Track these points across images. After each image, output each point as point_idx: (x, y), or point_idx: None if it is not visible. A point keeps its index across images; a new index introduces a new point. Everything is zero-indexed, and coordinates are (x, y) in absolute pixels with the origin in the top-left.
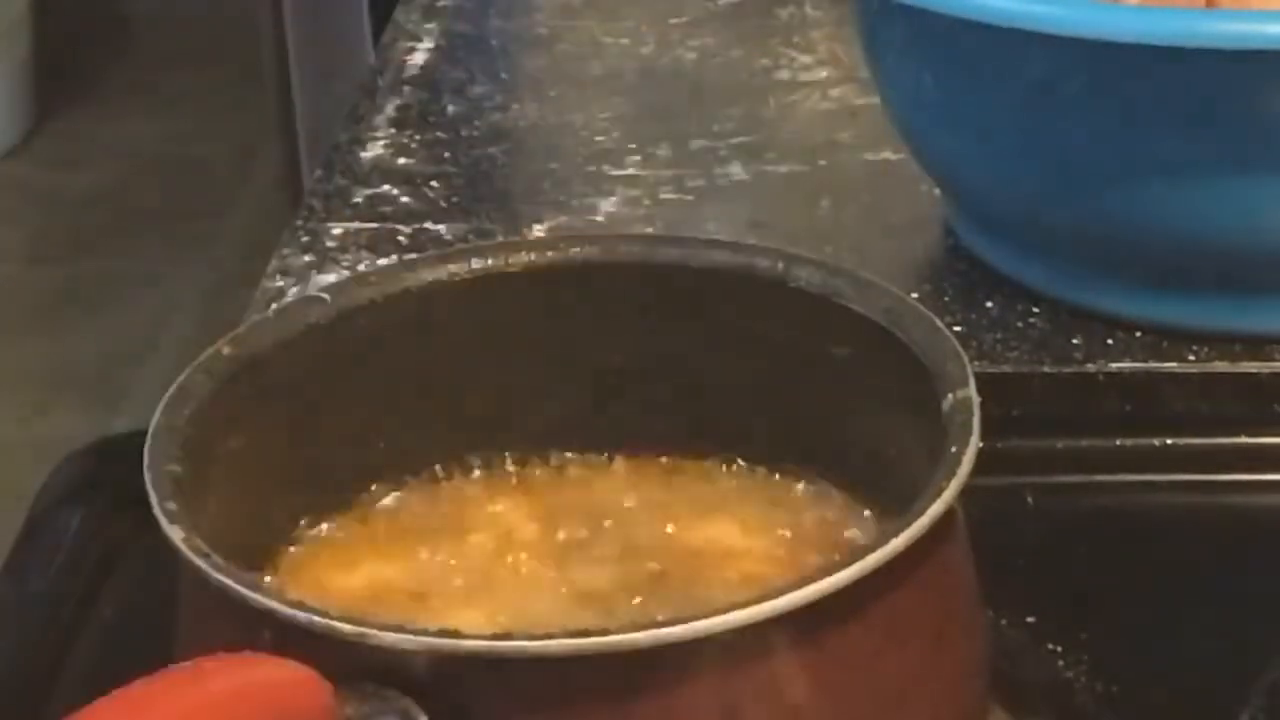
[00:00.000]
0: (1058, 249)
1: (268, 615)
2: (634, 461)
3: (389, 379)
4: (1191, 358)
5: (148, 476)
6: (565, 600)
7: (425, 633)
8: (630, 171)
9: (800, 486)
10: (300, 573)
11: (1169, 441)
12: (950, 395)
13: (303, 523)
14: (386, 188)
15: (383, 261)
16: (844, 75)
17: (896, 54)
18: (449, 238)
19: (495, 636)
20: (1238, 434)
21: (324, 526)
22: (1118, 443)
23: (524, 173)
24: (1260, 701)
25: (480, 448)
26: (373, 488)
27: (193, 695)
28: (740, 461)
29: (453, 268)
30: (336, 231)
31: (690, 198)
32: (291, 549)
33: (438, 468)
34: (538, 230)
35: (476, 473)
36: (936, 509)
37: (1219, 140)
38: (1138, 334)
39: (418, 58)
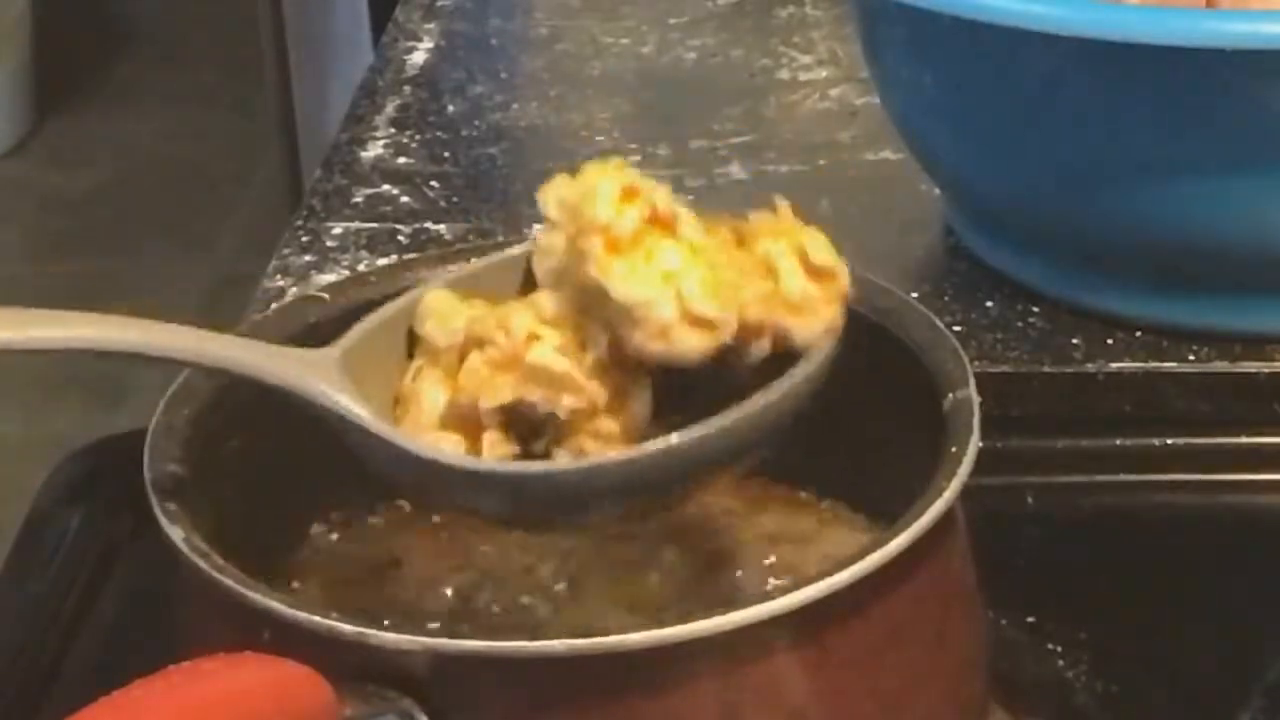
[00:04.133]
0: (1058, 249)
1: (268, 615)
2: None
3: None
4: (1191, 358)
5: (148, 476)
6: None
7: (425, 633)
8: None
9: (799, 487)
10: (301, 571)
11: (1169, 441)
12: (950, 395)
13: (302, 522)
14: (386, 188)
15: (383, 261)
16: (844, 75)
17: (896, 54)
18: (449, 238)
19: (495, 636)
20: (1238, 434)
21: (323, 525)
22: (1118, 443)
23: (524, 173)
24: (1260, 701)
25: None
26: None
27: (193, 695)
28: None
29: (453, 268)
30: (336, 231)
31: (690, 198)
32: (291, 548)
33: None
34: (538, 230)
35: None
36: (937, 509)
37: (1219, 140)
38: (1138, 334)
39: (418, 58)
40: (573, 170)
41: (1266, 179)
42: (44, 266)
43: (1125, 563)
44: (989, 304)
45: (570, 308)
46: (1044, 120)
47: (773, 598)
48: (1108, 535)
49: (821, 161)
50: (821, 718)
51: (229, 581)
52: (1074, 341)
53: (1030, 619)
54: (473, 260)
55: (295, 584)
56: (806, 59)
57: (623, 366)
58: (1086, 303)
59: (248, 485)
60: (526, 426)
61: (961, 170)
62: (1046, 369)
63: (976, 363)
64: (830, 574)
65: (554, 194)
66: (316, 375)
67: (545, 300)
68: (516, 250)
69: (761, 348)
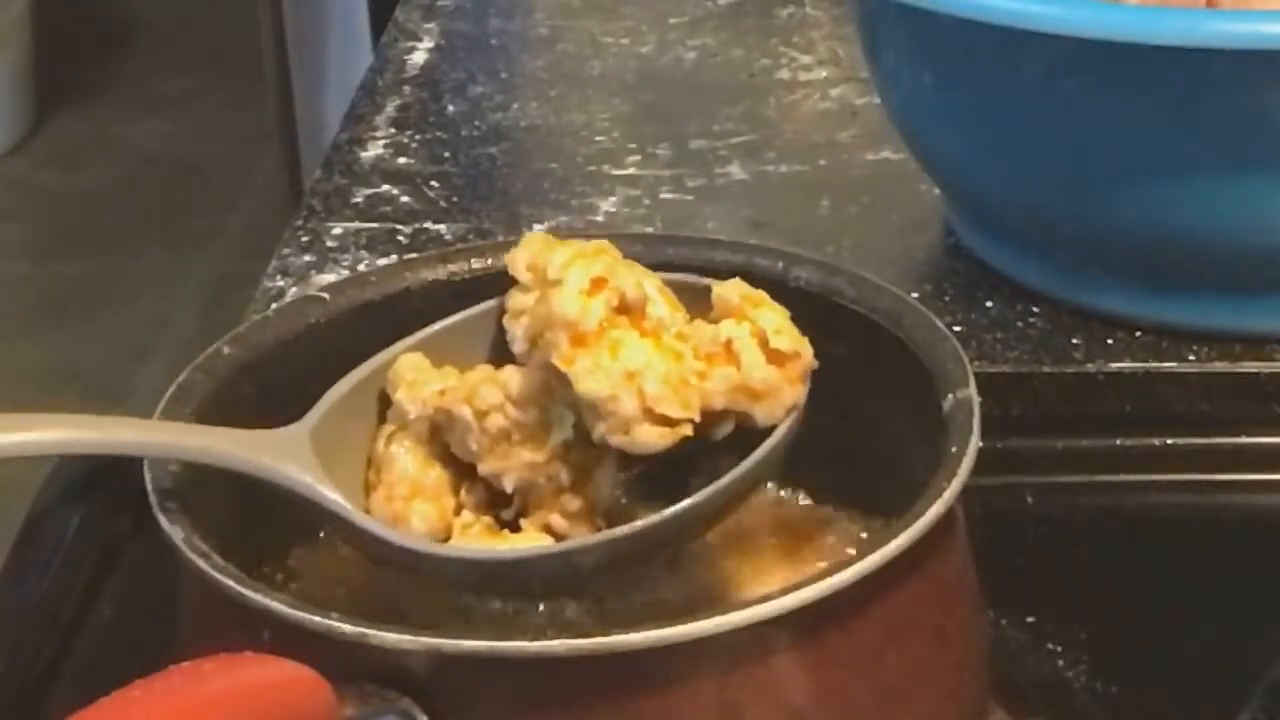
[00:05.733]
0: (1058, 249)
1: (268, 615)
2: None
3: None
4: (1191, 358)
5: (148, 476)
6: None
7: (425, 633)
8: (630, 171)
9: (799, 487)
10: (302, 571)
11: (1169, 441)
12: (950, 395)
13: (302, 521)
14: (386, 188)
15: (383, 261)
16: (844, 75)
17: (896, 54)
18: (449, 238)
19: (495, 636)
20: (1238, 434)
21: (324, 525)
22: (1118, 443)
23: (524, 173)
24: (1260, 701)
25: None
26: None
27: (193, 695)
28: None
29: (453, 268)
30: (336, 231)
31: (690, 198)
32: (291, 548)
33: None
34: (538, 230)
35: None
36: (936, 509)
37: (1219, 140)
38: (1138, 334)
39: (418, 58)
40: (569, 172)
41: (1266, 179)
42: (44, 266)
43: (1125, 563)
44: (989, 304)
45: (537, 386)
46: (1043, 120)
47: (773, 598)
48: (1108, 535)
49: (821, 161)
50: (821, 718)
51: (229, 581)
52: (1074, 341)
53: (1030, 619)
54: (445, 319)
55: (295, 584)
56: (806, 59)
57: (588, 442)
58: (1086, 303)
59: (247, 485)
60: (496, 493)
61: (961, 170)
62: (1046, 369)
63: (976, 363)
64: (830, 574)
65: (524, 256)
66: (286, 459)
67: (512, 377)
68: (488, 305)
69: (725, 429)
